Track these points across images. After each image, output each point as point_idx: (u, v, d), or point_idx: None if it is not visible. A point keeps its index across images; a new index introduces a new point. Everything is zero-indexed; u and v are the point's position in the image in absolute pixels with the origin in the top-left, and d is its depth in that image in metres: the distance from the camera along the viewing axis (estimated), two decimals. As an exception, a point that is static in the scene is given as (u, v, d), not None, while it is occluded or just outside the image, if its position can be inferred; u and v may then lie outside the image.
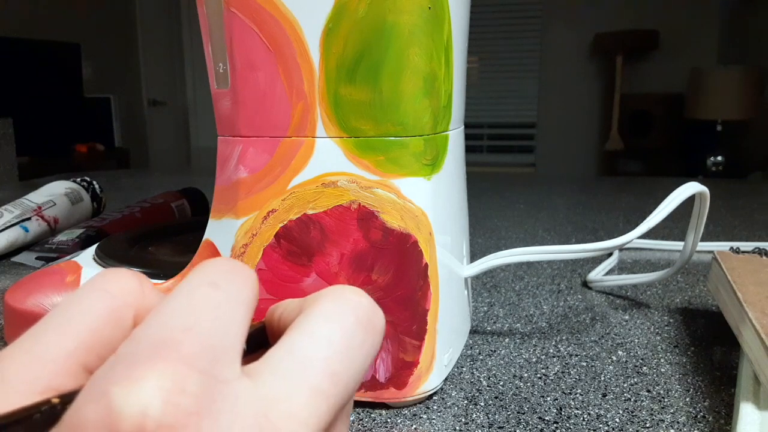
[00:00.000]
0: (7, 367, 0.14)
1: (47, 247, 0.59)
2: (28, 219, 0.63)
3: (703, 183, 1.00)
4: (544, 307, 0.48)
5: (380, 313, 0.16)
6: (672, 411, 0.32)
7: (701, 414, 0.32)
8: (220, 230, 0.34)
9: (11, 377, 0.13)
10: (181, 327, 0.13)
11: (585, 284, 0.53)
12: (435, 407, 0.33)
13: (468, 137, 3.75)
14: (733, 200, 0.91)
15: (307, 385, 0.14)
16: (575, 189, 1.02)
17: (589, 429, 0.31)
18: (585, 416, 0.32)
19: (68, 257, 0.43)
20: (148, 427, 0.12)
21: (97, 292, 0.15)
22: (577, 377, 0.36)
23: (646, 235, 0.68)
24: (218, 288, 0.15)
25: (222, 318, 0.14)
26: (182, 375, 0.12)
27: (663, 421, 0.32)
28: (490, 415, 0.32)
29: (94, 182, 0.74)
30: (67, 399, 0.13)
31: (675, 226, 0.74)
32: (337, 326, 0.15)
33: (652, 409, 0.33)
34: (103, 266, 0.39)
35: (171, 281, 0.36)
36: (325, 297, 0.16)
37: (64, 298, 0.15)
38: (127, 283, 0.16)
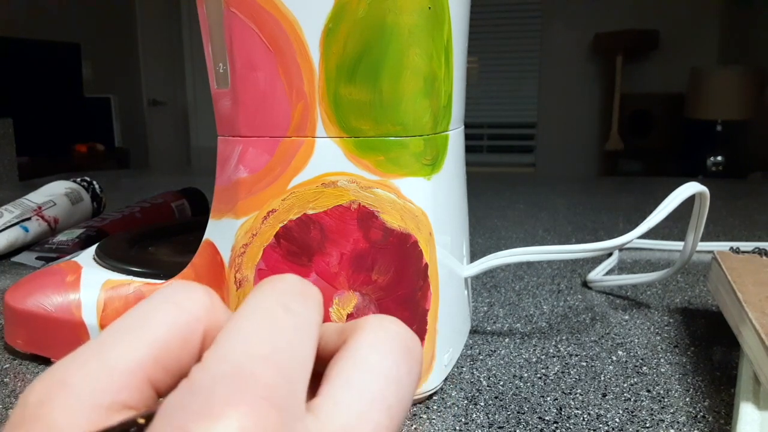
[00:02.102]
0: (73, 375, 0.13)
1: (47, 247, 0.59)
2: (28, 219, 0.63)
3: (703, 183, 1.00)
4: (544, 307, 0.48)
5: (418, 341, 0.16)
6: (672, 411, 0.32)
7: (701, 414, 0.32)
8: (220, 230, 0.34)
9: (78, 387, 0.13)
10: (258, 356, 0.13)
11: (585, 284, 0.53)
12: (435, 407, 0.33)
13: (468, 137, 3.74)
14: (733, 200, 0.91)
15: (369, 421, 0.14)
16: (575, 189, 1.02)
17: (589, 429, 0.31)
18: (585, 416, 0.32)
19: (68, 257, 0.43)
20: None
21: (167, 304, 0.15)
22: (577, 377, 0.36)
23: (646, 235, 0.68)
24: (291, 312, 0.15)
25: (296, 346, 0.14)
26: (262, 414, 0.12)
27: (663, 421, 0.32)
28: (490, 415, 0.32)
29: (94, 182, 0.74)
30: (150, 419, 0.13)
31: (675, 226, 0.74)
32: (387, 358, 0.15)
33: (652, 409, 0.33)
34: (103, 266, 0.39)
35: (171, 281, 0.36)
36: (368, 327, 0.16)
37: (134, 307, 0.15)
38: (198, 297, 0.15)
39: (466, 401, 0.34)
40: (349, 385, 0.14)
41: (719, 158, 2.86)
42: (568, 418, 0.32)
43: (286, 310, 0.15)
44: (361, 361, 0.15)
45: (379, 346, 0.15)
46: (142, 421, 0.13)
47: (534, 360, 0.39)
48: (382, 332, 0.16)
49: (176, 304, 0.15)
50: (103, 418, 0.13)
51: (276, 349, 0.13)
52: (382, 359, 0.15)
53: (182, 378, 0.14)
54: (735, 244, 0.60)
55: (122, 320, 0.15)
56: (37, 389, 0.13)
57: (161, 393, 0.14)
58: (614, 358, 0.39)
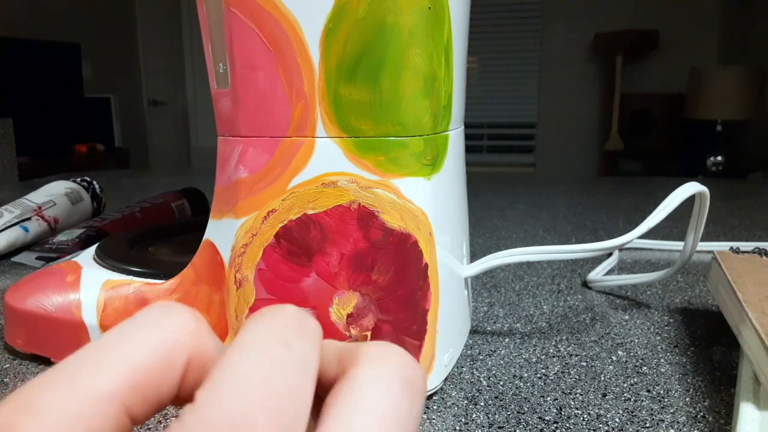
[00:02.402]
0: (45, 400, 0.12)
1: (47, 247, 0.59)
2: (28, 219, 0.63)
3: (703, 183, 1.00)
4: (544, 307, 0.48)
5: (420, 371, 0.16)
6: (672, 411, 0.32)
7: (701, 414, 0.32)
8: (220, 230, 0.34)
9: (47, 412, 0.12)
10: (255, 402, 0.12)
11: (585, 284, 0.53)
12: (435, 407, 0.33)
13: (468, 137, 3.75)
14: (733, 200, 0.91)
15: None
16: (575, 189, 1.02)
17: (589, 429, 0.31)
18: (585, 416, 0.32)
19: (68, 257, 0.43)
20: None
21: (151, 326, 0.14)
22: (577, 377, 0.36)
23: (646, 235, 0.68)
24: (291, 349, 0.14)
25: (295, 387, 0.13)
26: None
27: (663, 421, 0.32)
28: (490, 415, 0.32)
29: (94, 182, 0.74)
30: None
31: (675, 226, 0.74)
32: (387, 396, 0.14)
33: (652, 409, 0.33)
34: (103, 266, 0.39)
35: (171, 281, 0.36)
36: (367, 358, 0.15)
37: (114, 327, 0.14)
38: (184, 321, 0.14)
39: (466, 401, 0.34)
40: (349, 429, 0.14)
41: (719, 158, 2.86)
42: (568, 418, 0.32)
43: (286, 347, 0.14)
44: (360, 400, 0.14)
45: (380, 382, 0.14)
46: None
47: (534, 360, 0.39)
48: (383, 365, 0.15)
49: (161, 326, 0.14)
50: None
51: (274, 393, 0.13)
52: (383, 398, 0.14)
53: (160, 406, 0.14)
54: (735, 244, 0.60)
55: (101, 341, 0.14)
56: (3, 412, 0.12)
57: (136, 421, 0.14)
58: (614, 358, 0.39)
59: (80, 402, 0.12)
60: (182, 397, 0.14)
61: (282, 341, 0.14)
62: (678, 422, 0.31)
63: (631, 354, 0.39)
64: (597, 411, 0.33)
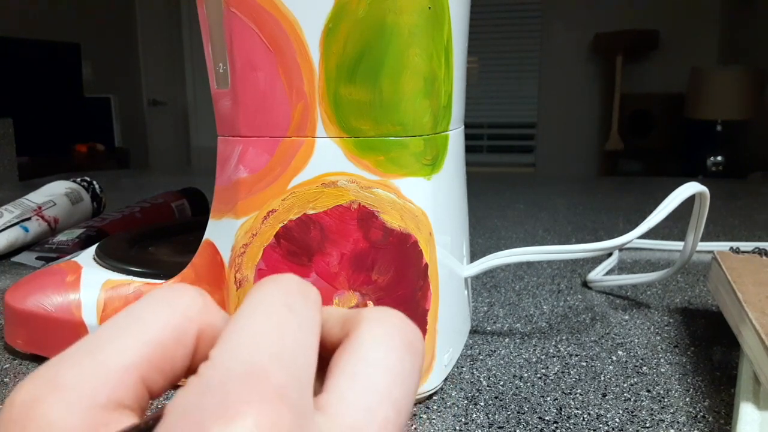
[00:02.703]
0: (65, 374, 0.13)
1: (47, 247, 0.59)
2: (28, 219, 0.63)
3: (703, 183, 1.00)
4: (544, 307, 0.48)
5: (419, 334, 0.16)
6: (672, 411, 0.32)
7: (701, 414, 0.32)
8: (220, 230, 0.34)
9: (72, 385, 0.13)
10: (268, 355, 0.13)
11: (585, 284, 0.53)
12: (435, 407, 0.33)
13: (468, 137, 3.74)
14: (733, 200, 0.91)
15: (377, 416, 0.14)
16: (575, 189, 1.02)
17: (589, 429, 0.31)
18: (585, 416, 0.32)
19: (68, 257, 0.43)
20: None
21: (160, 305, 0.15)
22: (577, 377, 0.36)
23: (646, 235, 0.68)
24: (294, 311, 0.15)
25: (302, 345, 0.14)
26: (277, 413, 0.12)
27: (663, 421, 0.32)
28: (490, 415, 0.32)
29: (94, 182, 0.74)
30: (156, 421, 0.13)
31: (675, 226, 0.74)
32: (391, 353, 0.15)
33: (652, 409, 0.33)
34: (103, 266, 0.39)
35: (171, 281, 0.36)
36: (371, 321, 0.16)
37: (126, 308, 0.15)
38: (191, 298, 0.15)
39: (466, 401, 0.34)
40: (355, 381, 0.14)
41: (719, 158, 2.86)
42: (568, 418, 0.32)
43: (290, 309, 0.15)
44: (365, 356, 0.15)
45: (382, 340, 0.15)
46: (149, 423, 0.13)
47: (534, 360, 0.39)
48: (386, 326, 0.16)
49: (169, 304, 0.15)
50: (99, 418, 0.13)
51: (284, 347, 0.13)
52: (387, 354, 0.15)
53: (175, 379, 0.14)
54: (735, 244, 0.60)
55: (114, 320, 0.15)
56: (27, 388, 0.13)
57: (154, 394, 0.14)
58: (614, 358, 0.39)
59: (100, 375, 0.13)
60: (195, 368, 0.15)
61: (285, 304, 0.15)
62: (678, 422, 0.31)
63: (631, 354, 0.39)
64: (597, 411, 0.33)
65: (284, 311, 0.14)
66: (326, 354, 0.16)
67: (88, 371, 0.13)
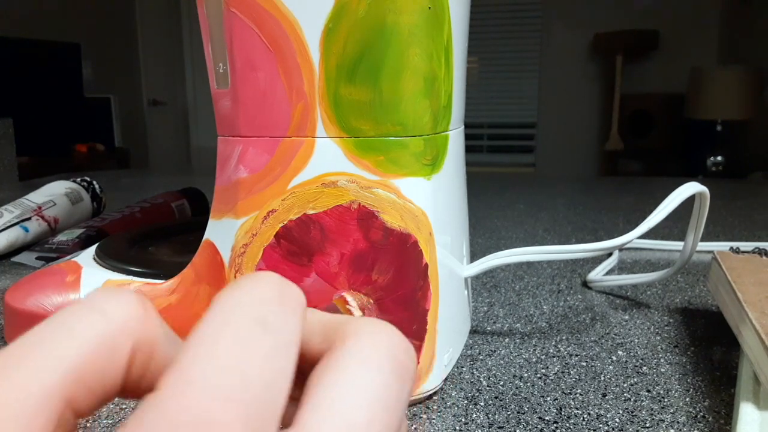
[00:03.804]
0: None
1: (47, 247, 0.59)
2: (28, 219, 0.63)
3: (703, 183, 1.00)
4: (544, 307, 0.48)
5: (411, 352, 0.15)
6: (672, 411, 0.32)
7: (701, 414, 0.32)
8: (220, 230, 0.34)
9: None
10: (226, 395, 0.11)
11: (585, 284, 0.53)
12: (435, 407, 0.33)
13: (468, 137, 3.74)
14: (733, 200, 0.91)
15: None
16: (575, 189, 1.02)
17: (589, 429, 0.31)
18: (585, 416, 0.32)
19: (68, 257, 0.43)
20: None
21: (92, 314, 0.13)
22: (577, 377, 0.36)
23: (646, 235, 0.68)
24: (268, 328, 0.13)
25: (271, 377, 0.12)
26: None
27: (663, 421, 0.32)
28: (490, 415, 0.32)
29: (94, 182, 0.74)
30: None
31: (675, 226, 0.74)
32: (377, 377, 0.13)
33: (652, 409, 0.33)
34: (103, 266, 0.39)
35: (171, 281, 0.36)
36: (357, 335, 0.14)
37: (52, 316, 0.13)
38: (129, 307, 0.13)
39: (466, 401, 0.34)
40: (331, 414, 0.12)
41: (719, 158, 2.86)
42: (568, 418, 0.32)
43: (263, 326, 0.13)
44: (346, 383, 0.13)
45: (368, 362, 0.13)
46: None
47: (534, 360, 0.39)
48: (373, 345, 0.14)
49: (103, 313, 0.13)
50: None
51: (246, 384, 0.11)
52: (372, 381, 0.13)
53: (104, 397, 0.13)
54: (735, 244, 0.60)
55: (38, 330, 0.12)
56: None
57: (81, 414, 0.12)
58: (614, 358, 0.39)
59: (17, 399, 0.11)
60: (129, 387, 0.13)
61: (257, 319, 0.13)
62: (678, 422, 0.31)
63: (631, 354, 0.39)
64: (597, 411, 0.33)
65: (256, 330, 0.12)
66: (304, 365, 0.14)
67: (3, 395, 0.11)
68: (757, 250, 0.44)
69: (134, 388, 0.13)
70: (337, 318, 0.15)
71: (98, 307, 0.13)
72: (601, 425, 0.31)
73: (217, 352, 0.12)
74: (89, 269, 0.38)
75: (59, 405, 0.12)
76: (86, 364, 0.12)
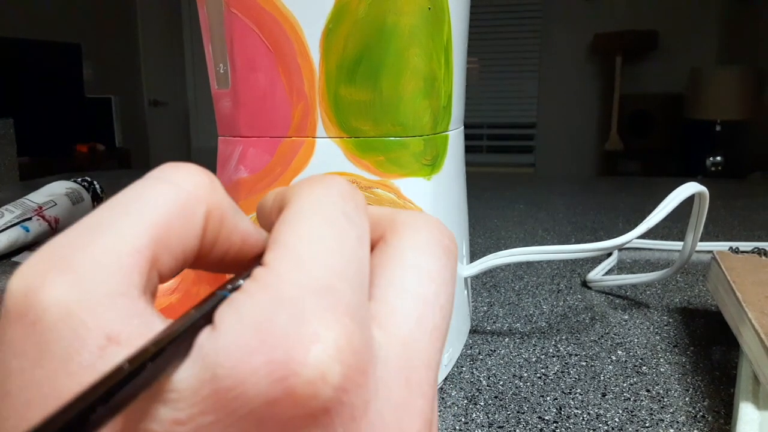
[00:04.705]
0: (75, 256, 0.12)
1: (48, 247, 0.59)
2: (29, 219, 0.63)
3: (702, 183, 1.00)
4: (544, 306, 0.48)
5: (453, 238, 0.16)
6: (671, 411, 0.33)
7: (701, 414, 0.32)
8: (220, 230, 0.34)
9: (84, 271, 0.11)
10: (336, 271, 0.13)
11: (584, 284, 0.53)
12: None
13: (468, 137, 3.74)
14: (733, 200, 0.91)
15: (427, 325, 0.14)
16: (575, 189, 1.02)
17: (588, 429, 0.31)
18: (585, 416, 0.32)
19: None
20: (324, 393, 0.11)
21: (163, 184, 0.13)
22: (577, 377, 0.36)
23: (646, 235, 0.68)
24: (351, 221, 0.14)
25: (360, 259, 0.14)
26: (351, 332, 0.12)
27: (662, 420, 0.32)
28: (490, 415, 0.32)
29: (95, 182, 0.74)
30: (202, 323, 0.12)
31: (674, 226, 0.74)
32: (434, 260, 0.15)
33: (651, 409, 0.33)
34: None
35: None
36: (408, 226, 0.16)
37: (126, 188, 0.13)
38: (197, 177, 0.14)
39: (466, 401, 0.34)
40: (404, 291, 0.14)
41: (718, 158, 2.86)
42: (568, 417, 0.32)
43: (348, 219, 0.14)
44: (411, 265, 0.15)
45: (424, 247, 0.15)
46: (198, 321, 0.12)
47: (534, 360, 0.39)
48: (425, 232, 0.15)
49: (173, 183, 0.13)
50: (124, 307, 0.11)
51: (348, 263, 0.13)
52: (430, 262, 0.15)
53: (184, 262, 0.14)
54: (734, 244, 0.60)
55: (114, 201, 0.13)
56: (30, 274, 0.11)
57: (163, 277, 0.13)
58: (614, 357, 0.39)
59: (112, 256, 0.12)
60: (203, 253, 0.14)
61: (344, 213, 0.14)
62: (678, 422, 0.31)
63: (631, 354, 0.39)
64: (597, 411, 0.33)
65: (343, 221, 0.14)
66: None
67: (99, 253, 0.12)
68: (756, 250, 0.44)
69: (207, 254, 0.14)
70: (383, 211, 0.16)
71: (168, 178, 0.14)
72: (600, 425, 0.31)
73: (318, 235, 0.13)
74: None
75: (147, 263, 0.12)
76: (167, 228, 0.13)
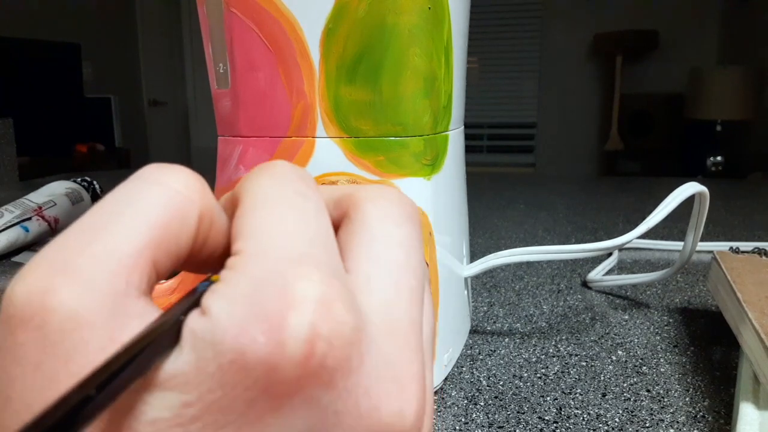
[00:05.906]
0: (77, 259, 0.12)
1: (47, 247, 0.59)
2: (29, 219, 0.63)
3: (702, 183, 1.00)
4: (544, 307, 0.48)
5: (415, 205, 0.17)
6: (672, 411, 0.33)
7: (701, 414, 0.32)
8: (220, 230, 0.34)
9: (85, 273, 0.12)
10: (305, 240, 0.13)
11: (585, 284, 0.53)
12: (435, 407, 0.33)
13: (468, 137, 3.74)
14: (733, 200, 0.91)
15: (403, 288, 0.15)
16: (575, 189, 1.02)
17: (588, 429, 0.31)
18: (585, 416, 0.32)
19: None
20: (320, 349, 0.12)
21: (155, 186, 0.14)
22: (577, 377, 0.36)
23: (646, 235, 0.68)
24: (306, 197, 0.15)
25: (324, 228, 0.14)
26: (337, 288, 0.12)
27: (663, 420, 0.32)
28: (490, 415, 0.32)
29: (95, 182, 0.74)
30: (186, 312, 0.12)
31: (675, 226, 0.74)
32: (399, 228, 0.16)
33: (651, 409, 0.33)
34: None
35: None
36: (369, 199, 0.16)
37: (115, 189, 0.14)
38: (191, 179, 0.14)
39: (466, 401, 0.34)
40: (376, 258, 0.15)
41: (719, 158, 2.86)
42: (568, 417, 0.32)
43: (301, 195, 0.15)
44: (377, 234, 0.15)
45: (388, 217, 0.16)
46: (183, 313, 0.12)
47: (534, 360, 0.39)
48: (386, 202, 0.16)
49: (166, 185, 0.14)
50: (124, 307, 0.12)
51: (315, 233, 0.14)
52: (395, 230, 0.15)
53: (179, 261, 0.14)
54: (735, 244, 0.60)
55: (108, 203, 0.13)
56: (31, 279, 0.12)
57: (160, 276, 0.13)
58: (614, 357, 0.39)
59: (113, 258, 0.12)
60: (194, 252, 0.14)
61: (294, 191, 0.15)
62: (678, 422, 0.31)
63: (631, 354, 0.39)
64: (597, 411, 0.33)
65: (297, 198, 0.14)
66: None
67: (101, 258, 0.12)
68: (756, 250, 0.44)
69: (196, 254, 0.15)
70: (344, 189, 0.17)
71: (159, 180, 0.14)
72: (600, 425, 0.31)
73: (279, 216, 0.14)
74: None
75: (148, 264, 0.13)
76: (165, 229, 0.13)
